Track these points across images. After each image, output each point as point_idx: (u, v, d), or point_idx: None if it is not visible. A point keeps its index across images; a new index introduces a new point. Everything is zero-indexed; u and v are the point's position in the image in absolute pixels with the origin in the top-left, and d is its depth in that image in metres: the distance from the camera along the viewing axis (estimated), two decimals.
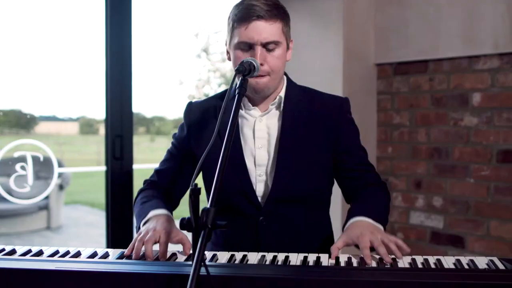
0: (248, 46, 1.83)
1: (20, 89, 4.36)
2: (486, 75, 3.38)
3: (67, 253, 1.66)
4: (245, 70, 1.69)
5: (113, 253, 1.68)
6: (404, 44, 3.75)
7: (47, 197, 6.81)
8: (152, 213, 1.83)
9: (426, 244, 3.67)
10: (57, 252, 1.67)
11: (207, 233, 1.30)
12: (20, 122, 6.14)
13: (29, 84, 4.45)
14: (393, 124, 3.87)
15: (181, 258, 1.68)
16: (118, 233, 3.52)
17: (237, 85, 1.67)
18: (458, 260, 1.60)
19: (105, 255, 1.66)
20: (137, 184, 3.80)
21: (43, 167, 3.47)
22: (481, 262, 1.59)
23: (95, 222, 8.98)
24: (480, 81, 3.40)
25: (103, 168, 3.46)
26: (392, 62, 3.84)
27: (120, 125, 3.45)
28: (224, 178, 1.81)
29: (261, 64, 1.81)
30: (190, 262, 1.61)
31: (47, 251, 1.68)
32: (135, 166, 3.57)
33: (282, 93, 1.95)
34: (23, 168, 3.27)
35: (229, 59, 1.92)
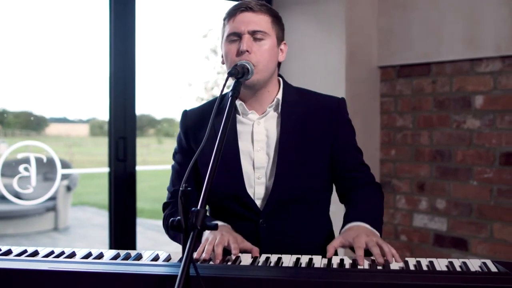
0: (236, 37, 1.85)
1: (31, 91, 4.38)
2: (488, 78, 3.37)
3: (62, 253, 1.68)
4: (238, 73, 1.71)
5: (108, 254, 1.69)
6: (407, 47, 3.74)
7: (54, 198, 6.87)
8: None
9: (429, 246, 3.66)
10: (52, 252, 1.68)
11: (196, 234, 1.31)
12: (31, 124, 6.17)
13: (40, 86, 4.48)
14: (396, 126, 3.86)
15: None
16: (121, 234, 3.54)
17: (231, 88, 1.68)
18: (451, 263, 1.60)
19: (100, 256, 1.67)
20: (140, 187, 3.82)
21: (46, 168, 3.50)
22: (475, 264, 1.59)
23: (102, 223, 9.00)
24: (482, 84, 3.40)
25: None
26: (395, 64, 3.83)
27: (123, 126, 3.46)
28: (219, 184, 1.83)
29: (248, 52, 1.82)
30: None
31: (42, 251, 1.70)
32: (144, 168, 3.59)
33: (280, 95, 1.95)
34: (26, 169, 3.30)
35: (222, 62, 1.93)
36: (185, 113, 2.04)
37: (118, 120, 3.45)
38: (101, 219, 9.27)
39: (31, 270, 1.47)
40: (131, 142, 3.51)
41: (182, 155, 2.02)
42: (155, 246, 7.33)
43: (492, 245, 3.38)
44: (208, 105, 2.02)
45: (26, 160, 3.32)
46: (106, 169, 3.49)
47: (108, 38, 3.42)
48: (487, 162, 3.39)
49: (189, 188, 1.37)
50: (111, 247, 3.51)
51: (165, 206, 2.04)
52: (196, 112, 2.02)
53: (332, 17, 3.77)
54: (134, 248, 3.57)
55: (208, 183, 1.43)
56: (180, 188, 1.37)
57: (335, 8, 3.76)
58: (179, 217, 1.36)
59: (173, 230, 1.37)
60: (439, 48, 3.56)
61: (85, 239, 7.91)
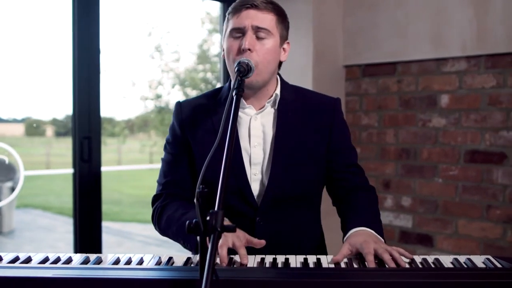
0: (239, 33, 1.82)
1: None
2: (454, 77, 3.45)
3: (58, 259, 1.60)
4: (244, 71, 1.68)
5: (107, 259, 1.63)
6: (373, 46, 3.79)
7: None
8: None
9: (395, 243, 3.71)
10: (47, 258, 1.60)
11: (217, 236, 1.27)
12: None
13: None
14: (362, 125, 3.90)
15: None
16: (86, 237, 3.42)
17: (235, 86, 1.64)
18: (456, 259, 1.62)
19: (99, 261, 1.60)
20: (105, 186, 3.71)
21: (5, 170, 3.35)
22: (478, 261, 1.61)
23: (48, 225, 8.72)
24: (448, 83, 3.47)
25: (55, 170, 3.37)
26: (361, 64, 3.87)
27: (88, 126, 3.35)
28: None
29: (250, 50, 1.78)
30: (189, 267, 1.57)
31: (36, 257, 1.61)
32: None
33: (278, 91, 1.92)
34: None
35: (223, 57, 1.89)
36: (180, 105, 1.98)
37: (83, 120, 3.33)
38: (47, 221, 8.98)
39: (37, 278, 1.39)
40: (96, 142, 3.40)
41: (175, 145, 1.95)
42: (105, 249, 7.15)
43: (457, 241, 3.47)
44: (204, 98, 1.97)
45: None
46: (46, 171, 3.37)
47: (72, 38, 3.29)
48: (452, 159, 3.47)
49: (206, 190, 1.33)
50: (76, 250, 3.39)
51: (155, 198, 1.97)
52: (191, 104, 1.97)
53: (299, 16, 3.77)
54: (100, 250, 3.46)
55: (222, 184, 1.38)
56: (197, 190, 1.33)
57: (302, 7, 3.76)
58: (196, 220, 1.32)
59: (190, 233, 1.32)
60: (405, 47, 3.62)
61: (33, 242, 7.61)
